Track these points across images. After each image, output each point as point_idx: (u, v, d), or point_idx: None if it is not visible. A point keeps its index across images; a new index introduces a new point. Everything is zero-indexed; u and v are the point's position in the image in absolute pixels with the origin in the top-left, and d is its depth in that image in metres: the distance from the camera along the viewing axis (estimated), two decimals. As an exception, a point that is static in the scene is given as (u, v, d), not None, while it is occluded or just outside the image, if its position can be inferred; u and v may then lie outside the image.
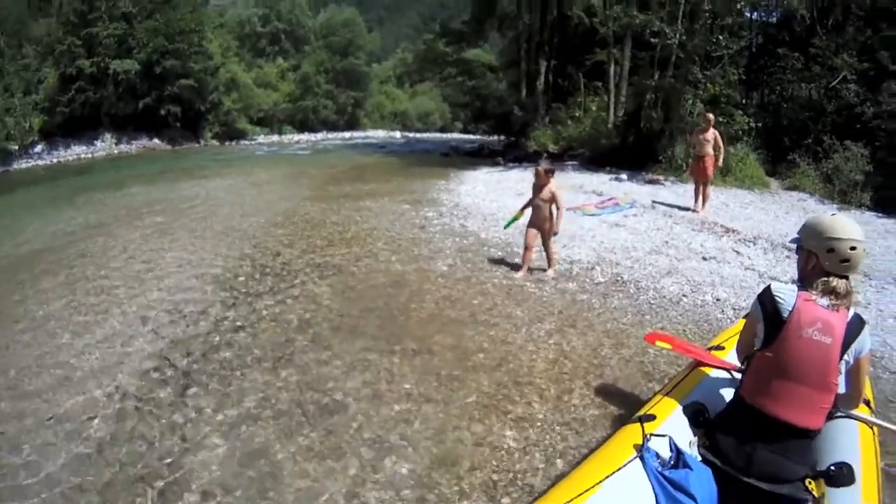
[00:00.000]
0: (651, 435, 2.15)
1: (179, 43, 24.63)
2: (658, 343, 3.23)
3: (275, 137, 30.26)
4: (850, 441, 2.30)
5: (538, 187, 6.10)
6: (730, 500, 2.13)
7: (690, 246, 7.65)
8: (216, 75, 26.47)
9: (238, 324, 4.93)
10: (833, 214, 2.19)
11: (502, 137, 23.88)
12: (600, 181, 12.99)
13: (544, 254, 6.40)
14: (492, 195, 11.82)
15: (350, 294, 5.61)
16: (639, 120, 13.97)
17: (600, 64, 17.90)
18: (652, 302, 5.65)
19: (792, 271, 6.49)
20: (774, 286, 2.20)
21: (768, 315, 2.16)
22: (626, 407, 3.46)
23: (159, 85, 24.57)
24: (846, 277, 2.12)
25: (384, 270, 6.37)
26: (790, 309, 2.09)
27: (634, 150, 13.90)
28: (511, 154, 20.16)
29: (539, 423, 3.38)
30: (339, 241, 7.71)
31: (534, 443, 3.20)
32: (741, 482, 2.11)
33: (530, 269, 6.33)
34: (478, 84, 22.11)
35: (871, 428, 2.42)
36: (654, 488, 1.93)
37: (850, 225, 2.12)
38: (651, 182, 12.35)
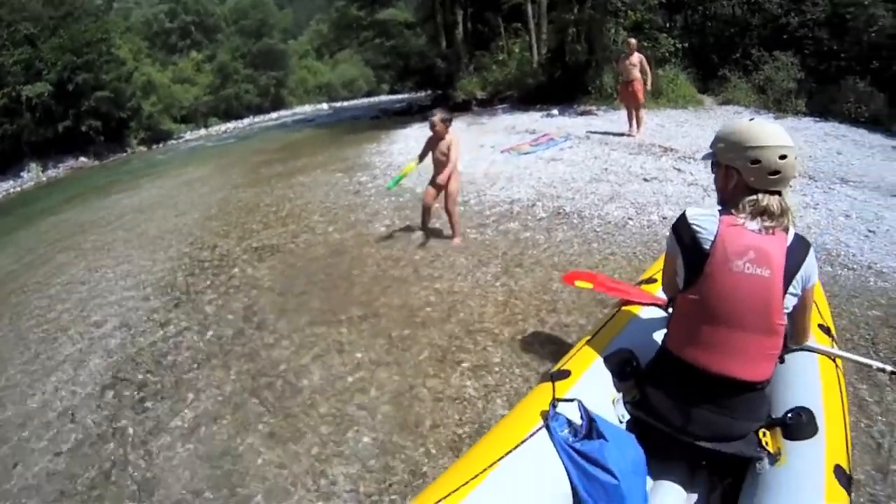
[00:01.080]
0: (558, 400, 1.82)
1: (88, 55, 23.14)
2: (578, 283, 2.85)
3: (202, 131, 29.05)
4: (810, 381, 1.98)
5: (435, 140, 5.29)
6: (665, 464, 1.88)
7: (630, 169, 7.64)
8: (131, 81, 25.05)
9: (183, 325, 4.70)
10: (751, 119, 1.77)
11: (429, 92, 23.47)
12: (532, 119, 12.88)
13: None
14: None
15: (290, 272, 5.38)
16: (563, 55, 13.83)
17: (518, 6, 17.62)
18: (598, 230, 5.60)
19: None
20: (690, 212, 1.80)
21: (686, 248, 1.77)
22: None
23: (75, 102, 23.09)
24: (779, 193, 1.71)
25: (322, 242, 6.13)
26: (712, 238, 1.70)
27: (563, 85, 13.80)
28: (440, 107, 19.77)
29: (497, 368, 3.28)
30: (274, 221, 7.39)
31: (493, 388, 3.10)
32: (678, 442, 1.82)
33: (432, 234, 5.77)
34: (397, 43, 21.50)
35: (833, 361, 2.09)
36: (563, 463, 1.67)
37: (773, 129, 1.72)
38: (583, 114, 12.31)
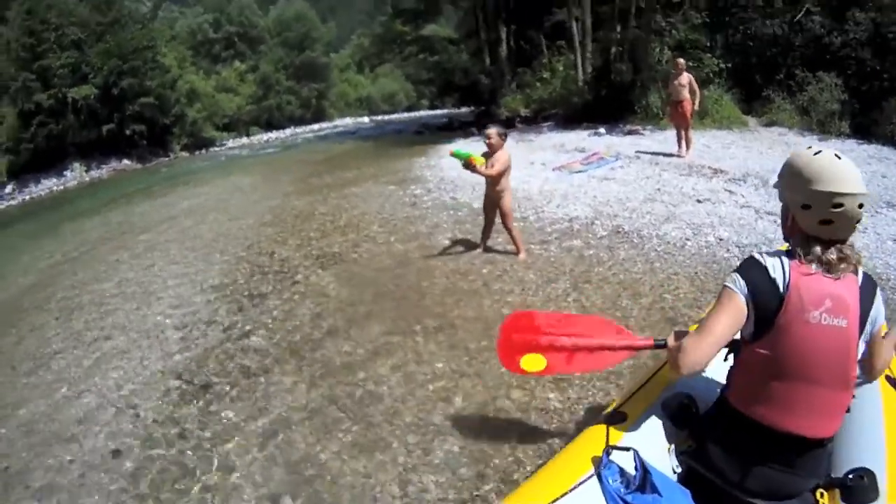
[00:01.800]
0: (612, 447, 1.71)
1: (133, 61, 24.06)
2: (524, 365, 2.07)
3: (244, 140, 29.81)
4: (874, 439, 1.80)
5: (489, 154, 5.30)
6: None
7: (682, 190, 7.66)
8: (175, 88, 25.89)
9: (248, 328, 4.78)
10: (816, 153, 1.52)
11: (472, 108, 23.73)
12: (580, 138, 12.95)
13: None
14: None
15: (356, 281, 5.51)
16: (609, 74, 13.94)
17: (561, 23, 17.77)
18: (658, 249, 5.65)
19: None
20: (759, 256, 1.59)
21: (760, 295, 1.54)
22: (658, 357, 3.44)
23: (120, 106, 24.03)
24: (841, 241, 1.51)
25: (385, 252, 6.28)
26: (784, 285, 1.51)
27: (608, 104, 13.90)
28: (483, 123, 19.95)
29: (577, 382, 3.35)
30: (332, 230, 7.56)
31: (576, 401, 3.18)
32: (732, 498, 1.70)
33: (494, 249, 5.88)
34: (441, 59, 21.84)
35: None
36: None
37: (836, 170, 1.47)
38: (630, 133, 12.35)
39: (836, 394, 1.56)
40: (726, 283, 1.60)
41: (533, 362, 2.05)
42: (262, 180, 14.22)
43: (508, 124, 18.26)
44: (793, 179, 1.54)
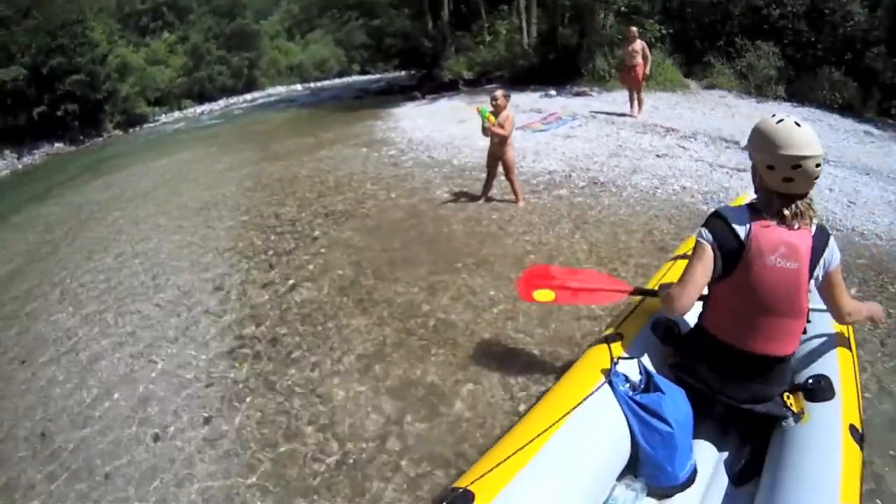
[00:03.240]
0: (619, 358, 2.05)
1: (62, 38, 22.36)
2: (536, 296, 2.62)
3: (177, 114, 28.42)
4: (828, 351, 2.24)
5: (497, 115, 5.88)
6: (705, 419, 2.12)
7: (642, 146, 8.55)
8: (105, 63, 24.34)
9: (290, 282, 4.98)
10: (779, 121, 1.80)
11: (412, 72, 23.90)
12: (532, 99, 13.57)
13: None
14: (436, 126, 12.07)
15: (378, 232, 5.97)
16: (555, 38, 14.59)
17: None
18: (634, 196, 6.50)
19: (737, 159, 7.58)
20: (723, 210, 1.94)
21: (723, 244, 1.89)
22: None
23: (50, 86, 22.34)
24: (801, 196, 1.82)
25: (393, 206, 6.76)
26: (746, 234, 1.84)
27: (555, 67, 14.58)
28: (427, 86, 20.20)
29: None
30: (326, 190, 7.86)
31: (613, 309, 3.88)
32: (717, 400, 2.07)
33: (490, 199, 6.51)
34: (381, 23, 21.76)
35: (848, 332, 2.36)
36: (626, 414, 1.88)
37: (795, 136, 1.74)
38: (579, 94, 13.15)
39: (791, 321, 1.93)
40: (697, 237, 1.96)
41: (544, 295, 2.59)
42: (219, 151, 13.88)
43: (452, 87, 18.77)
44: (759, 144, 1.83)
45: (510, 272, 4.58)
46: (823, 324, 2.27)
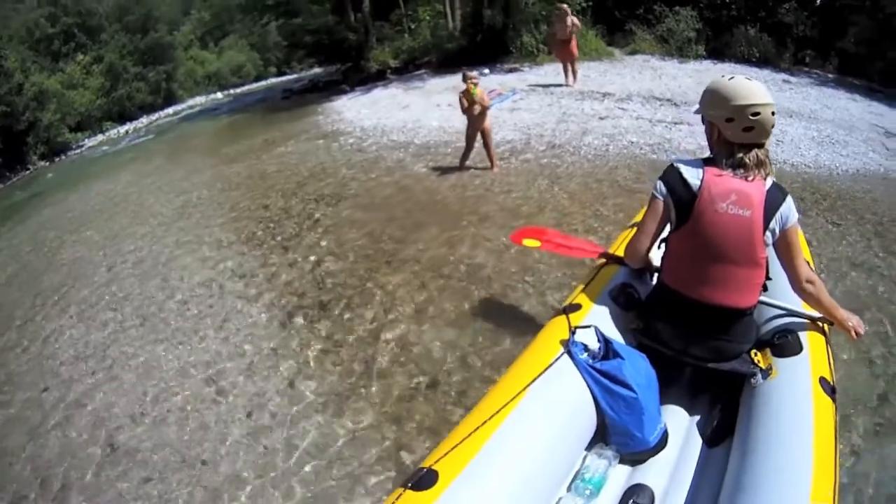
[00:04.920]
0: (576, 327, 2.05)
1: None
2: (526, 242, 3.13)
3: (100, 137, 27.04)
4: (793, 304, 2.24)
5: (467, 92, 6.52)
6: (671, 381, 2.12)
7: (584, 111, 9.48)
8: (22, 93, 22.94)
9: (312, 258, 5.29)
10: (730, 78, 1.93)
11: (336, 67, 24.03)
12: None
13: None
14: (381, 114, 12.36)
15: (375, 207, 6.44)
16: (481, 20, 15.30)
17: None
18: (591, 153, 7.38)
19: (673, 114, 8.60)
20: (678, 163, 2.02)
21: (677, 194, 1.97)
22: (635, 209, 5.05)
23: None
24: (759, 146, 1.91)
25: (378, 185, 7.25)
26: (699, 184, 1.92)
27: (484, 47, 15.28)
28: (354, 79, 20.18)
29: (597, 227, 4.99)
30: (304, 180, 8.09)
31: (609, 232, 4.74)
32: (682, 363, 2.10)
33: (471, 168, 7.15)
34: (303, 20, 21.72)
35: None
36: (587, 383, 1.89)
37: (749, 87, 1.88)
38: (511, 71, 13.95)
39: (749, 271, 1.95)
40: (652, 190, 2.06)
41: (531, 243, 3.08)
42: (167, 162, 13.42)
43: (380, 77, 19.11)
44: (715, 100, 1.92)
45: (511, 222, 5.29)
46: (798, 293, 2.20)
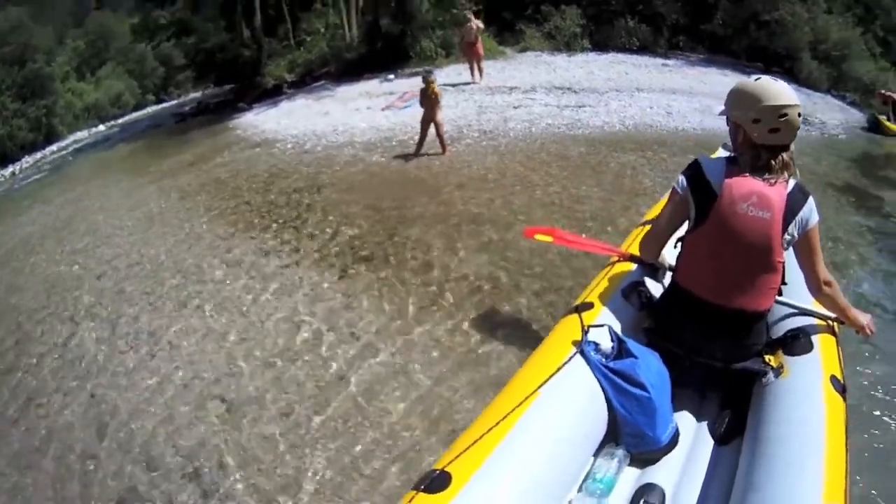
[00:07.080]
0: (589, 326, 2.04)
1: None
2: (538, 237, 3.25)
3: None
4: (806, 308, 2.23)
5: (425, 91, 7.92)
6: (682, 380, 2.08)
7: (498, 103, 11.03)
8: None
9: (329, 230, 5.79)
10: (757, 79, 1.92)
11: (226, 86, 23.82)
12: (374, 85, 14.96)
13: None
14: (304, 123, 12.40)
15: (360, 188, 7.11)
16: (379, 29, 16.45)
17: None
18: (520, 136, 8.95)
19: (575, 99, 10.38)
20: (702, 159, 2.01)
21: (698, 191, 1.96)
22: (572, 168, 6.68)
23: None
24: (784, 147, 1.88)
25: (346, 175, 7.85)
26: (720, 183, 1.89)
27: (384, 55, 16.34)
28: (251, 95, 19.68)
29: (562, 182, 6.49)
30: (271, 178, 8.26)
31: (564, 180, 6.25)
32: (693, 362, 2.07)
33: (425, 155, 8.24)
34: (198, 40, 21.37)
35: None
36: (600, 383, 1.87)
37: (776, 89, 1.84)
38: (415, 75, 15.00)
39: (765, 275, 1.94)
40: (673, 184, 2.07)
41: (544, 238, 3.20)
42: (94, 188, 11.60)
43: (276, 92, 19.22)
44: (742, 101, 1.91)
45: (486, 185, 6.68)
46: (801, 282, 2.16)
